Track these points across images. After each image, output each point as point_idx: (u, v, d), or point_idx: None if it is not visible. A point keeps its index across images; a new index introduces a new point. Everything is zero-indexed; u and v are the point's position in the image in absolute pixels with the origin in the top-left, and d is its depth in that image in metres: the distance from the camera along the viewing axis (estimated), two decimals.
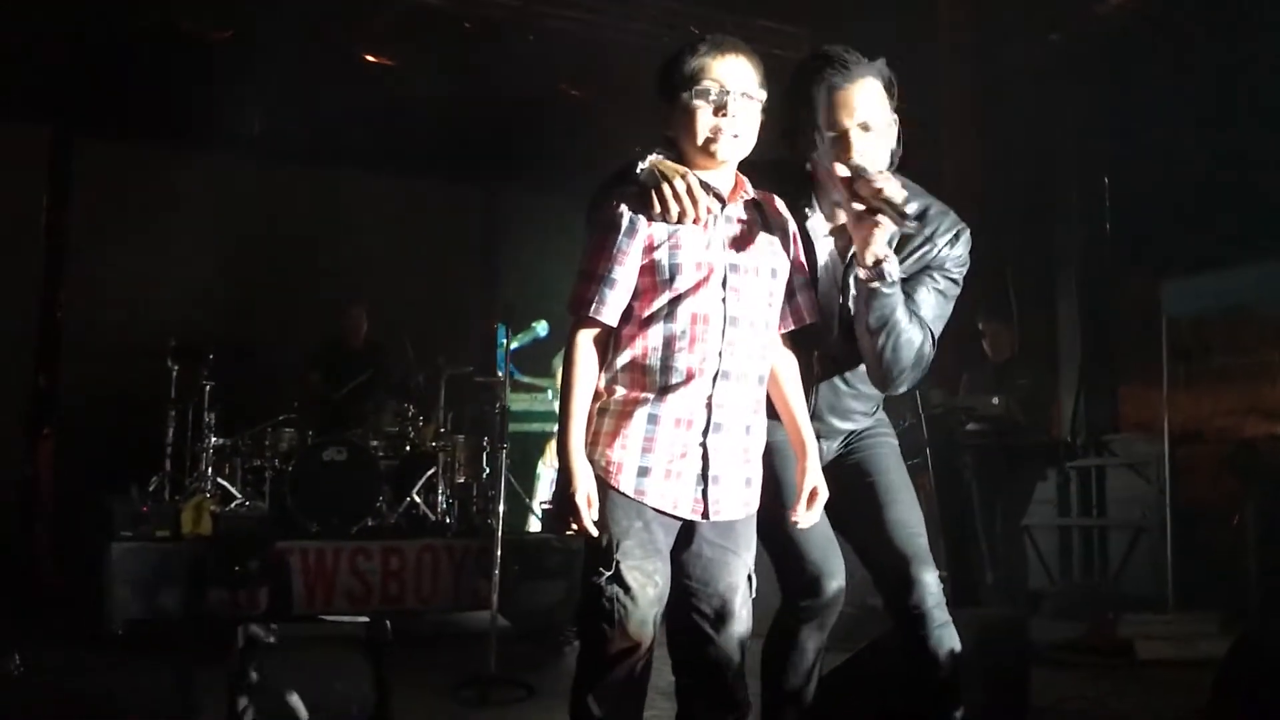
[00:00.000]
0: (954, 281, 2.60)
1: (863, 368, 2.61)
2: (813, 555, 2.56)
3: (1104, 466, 7.49)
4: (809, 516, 2.41)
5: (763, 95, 2.31)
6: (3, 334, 7.84)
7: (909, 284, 2.55)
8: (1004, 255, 7.25)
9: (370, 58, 7.49)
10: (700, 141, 2.29)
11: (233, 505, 6.33)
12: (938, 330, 2.57)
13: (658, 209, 2.25)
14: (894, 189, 2.35)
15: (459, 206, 9.53)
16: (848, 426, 2.72)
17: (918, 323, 2.49)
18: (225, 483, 6.46)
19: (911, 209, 2.54)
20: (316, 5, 7.06)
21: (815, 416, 2.63)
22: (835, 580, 2.58)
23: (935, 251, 2.57)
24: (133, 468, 6.66)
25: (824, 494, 2.42)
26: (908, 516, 2.63)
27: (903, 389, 2.58)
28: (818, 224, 2.56)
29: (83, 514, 7.42)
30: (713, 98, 2.26)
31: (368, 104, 7.73)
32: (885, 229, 2.37)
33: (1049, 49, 8.02)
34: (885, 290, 2.41)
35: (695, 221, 2.26)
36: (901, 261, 2.55)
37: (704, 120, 2.28)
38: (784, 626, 2.64)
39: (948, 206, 2.65)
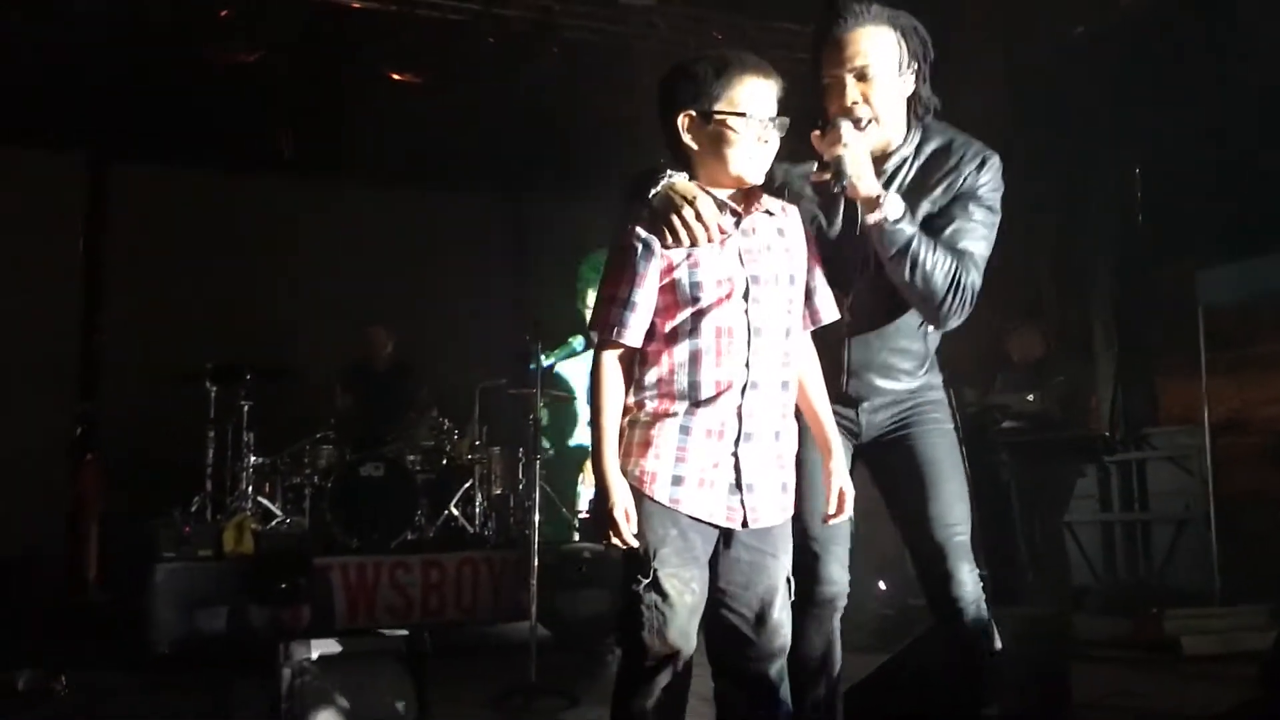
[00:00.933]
0: (989, 208, 2.61)
1: (897, 322, 2.62)
2: (813, 551, 2.57)
3: (1144, 460, 7.41)
4: (838, 517, 2.41)
5: (784, 119, 2.32)
6: (45, 360, 7.95)
7: (943, 216, 2.58)
8: (1035, 249, 7.20)
9: (395, 75, 7.55)
10: (734, 170, 2.29)
11: (273, 523, 6.39)
12: (981, 255, 2.58)
13: (670, 239, 2.25)
14: (850, 155, 2.39)
15: (487, 220, 9.57)
16: (892, 385, 2.67)
17: (944, 250, 2.50)
18: (265, 501, 6.53)
19: (934, 144, 2.62)
20: (341, 26, 7.13)
21: (853, 375, 2.63)
22: (830, 586, 2.59)
23: (963, 180, 2.59)
24: (175, 489, 6.75)
25: (850, 493, 2.42)
26: (950, 510, 2.60)
27: (956, 321, 2.58)
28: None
29: (127, 537, 7.53)
30: (752, 127, 2.27)
31: (395, 121, 7.80)
32: (850, 175, 2.39)
33: (1076, 40, 7.96)
34: (888, 228, 2.44)
35: (709, 242, 2.27)
36: (930, 192, 2.59)
37: (742, 148, 2.28)
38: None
39: (972, 138, 2.67)
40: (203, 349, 7.33)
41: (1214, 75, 6.75)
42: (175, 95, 7.44)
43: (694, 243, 2.25)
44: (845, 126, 2.45)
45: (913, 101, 2.63)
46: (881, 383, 2.66)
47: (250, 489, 6.55)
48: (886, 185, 2.57)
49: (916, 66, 2.60)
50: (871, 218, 2.45)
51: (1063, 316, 7.56)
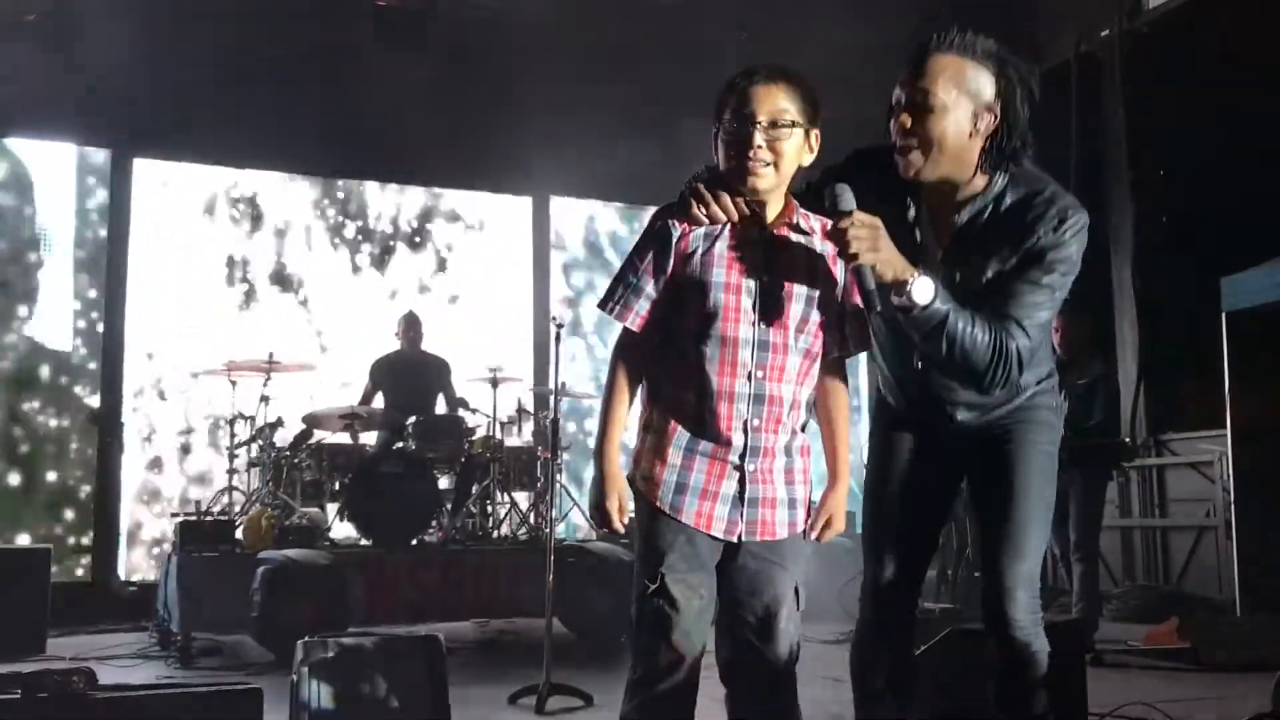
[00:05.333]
0: (1058, 271, 2.44)
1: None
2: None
3: (1165, 466, 7.38)
4: (816, 537, 2.38)
5: (802, 120, 2.28)
6: (70, 355, 8.03)
7: (1006, 277, 2.45)
8: None
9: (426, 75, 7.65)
10: (728, 172, 2.30)
11: (293, 518, 6.41)
12: (1035, 322, 2.44)
13: (690, 211, 2.29)
14: (865, 257, 2.27)
15: (511, 215, 9.59)
16: (973, 416, 2.60)
17: (984, 322, 2.37)
18: (286, 496, 6.54)
19: (1015, 196, 2.48)
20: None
21: (938, 402, 2.58)
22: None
23: (1035, 240, 2.44)
24: (195, 482, 6.81)
25: (837, 527, 2.39)
26: (1026, 539, 2.53)
27: (1002, 388, 2.47)
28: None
29: (149, 529, 7.58)
30: (738, 129, 2.26)
31: (422, 120, 7.91)
32: (875, 275, 2.28)
33: (1098, 44, 7.94)
34: (917, 314, 2.34)
35: (728, 223, 2.29)
36: (1000, 251, 2.46)
37: (736, 155, 2.28)
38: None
39: (1060, 191, 2.50)
40: (224, 344, 7.39)
41: (1239, 78, 6.71)
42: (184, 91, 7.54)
43: (713, 219, 2.28)
44: (855, 229, 2.25)
45: (991, 145, 2.46)
46: (967, 415, 2.59)
47: (270, 484, 6.58)
48: (958, 235, 2.49)
49: (1003, 106, 2.45)
50: (897, 300, 2.33)
51: (1085, 319, 7.52)
